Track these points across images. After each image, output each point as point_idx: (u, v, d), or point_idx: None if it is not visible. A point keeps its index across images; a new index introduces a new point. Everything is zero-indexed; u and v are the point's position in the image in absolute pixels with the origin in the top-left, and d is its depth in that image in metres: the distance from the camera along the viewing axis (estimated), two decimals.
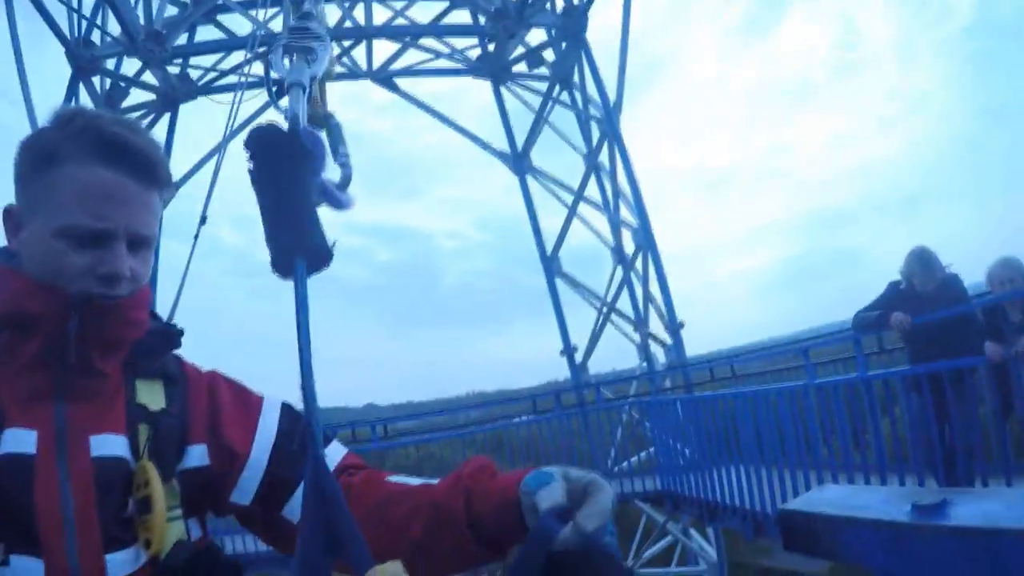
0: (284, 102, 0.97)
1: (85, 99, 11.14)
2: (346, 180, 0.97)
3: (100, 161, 0.99)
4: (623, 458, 10.90)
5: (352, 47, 12.50)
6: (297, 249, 0.83)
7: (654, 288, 11.97)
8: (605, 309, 12.63)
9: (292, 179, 0.85)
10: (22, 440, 0.95)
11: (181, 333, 1.16)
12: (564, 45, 12.01)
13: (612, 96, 11.88)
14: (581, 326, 13.12)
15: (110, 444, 1.01)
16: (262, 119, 0.93)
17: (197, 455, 1.10)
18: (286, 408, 1.19)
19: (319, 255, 0.86)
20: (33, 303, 0.98)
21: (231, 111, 5.09)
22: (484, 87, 13.14)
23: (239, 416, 1.16)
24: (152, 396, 1.09)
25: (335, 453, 1.16)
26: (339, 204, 0.94)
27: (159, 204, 1.07)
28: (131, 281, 1.02)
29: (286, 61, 0.99)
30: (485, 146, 13.12)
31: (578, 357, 12.92)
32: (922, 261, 5.36)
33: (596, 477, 0.89)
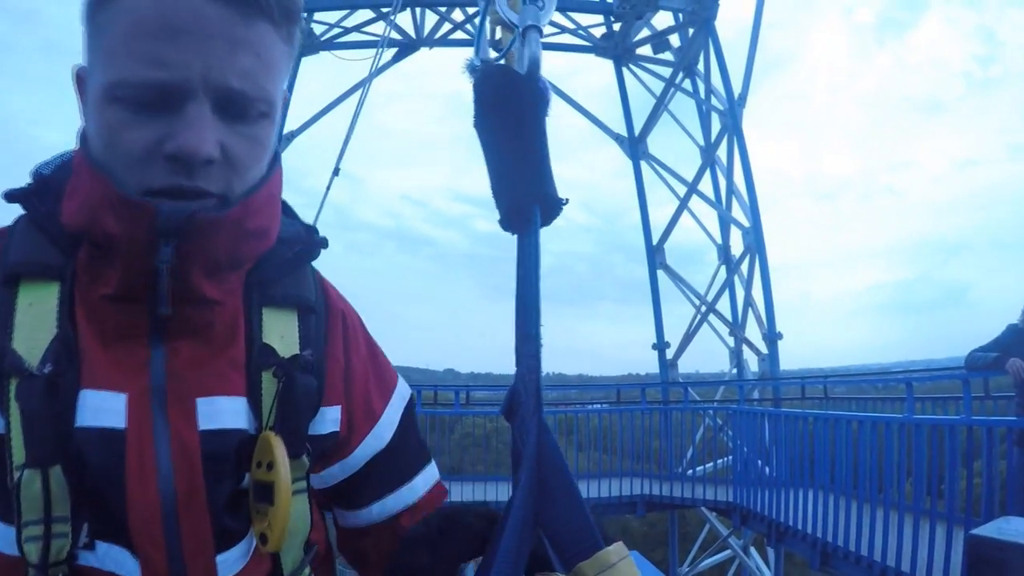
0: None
1: None
2: None
3: None
4: (699, 463, 10.60)
5: (473, 16, 12.50)
6: (534, 199, 0.75)
7: (756, 293, 11.48)
8: (704, 308, 12.23)
9: (532, 127, 0.76)
10: (107, 407, 0.73)
11: (324, 242, 0.91)
12: (691, 31, 11.57)
13: (736, 89, 11.37)
14: (673, 323, 12.80)
15: (224, 410, 0.79)
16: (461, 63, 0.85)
17: (331, 419, 0.89)
18: (412, 397, 1.04)
19: (553, 205, 0.77)
20: (105, 217, 0.72)
21: (374, 60, 5.08)
22: (599, 66, 12.87)
23: (375, 376, 0.97)
24: (283, 332, 0.85)
25: (425, 481, 1.02)
26: None
27: (278, 48, 0.75)
28: (227, 166, 0.73)
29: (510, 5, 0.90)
30: (604, 127, 12.87)
31: (668, 354, 12.60)
32: None
33: None
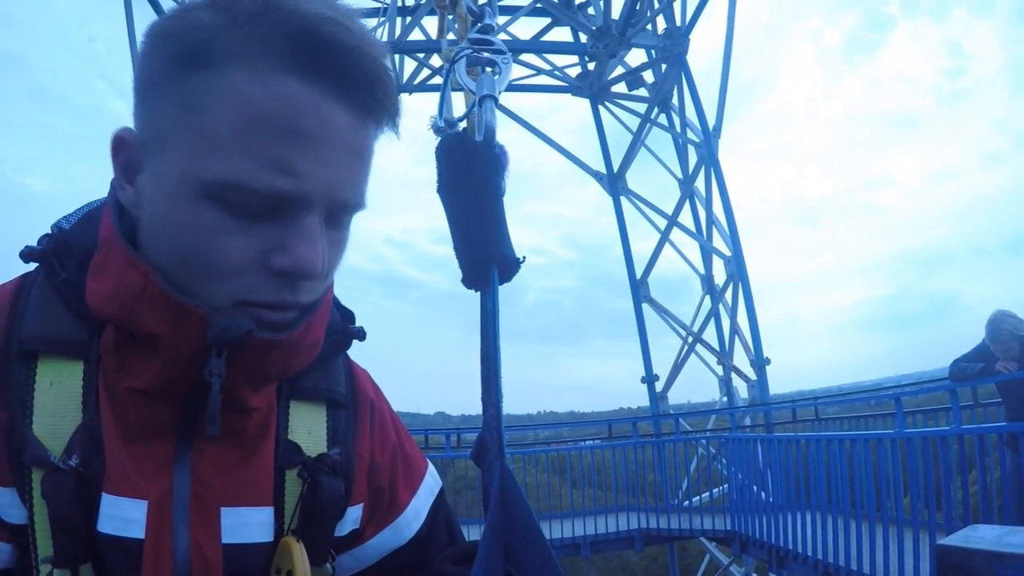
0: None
1: None
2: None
3: (295, 69, 0.62)
4: (695, 493, 10.51)
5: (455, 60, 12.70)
6: (492, 260, 0.77)
7: (742, 321, 11.54)
8: (691, 339, 12.26)
9: (487, 190, 0.79)
10: (127, 516, 0.67)
11: (361, 333, 0.87)
12: (664, 67, 11.84)
13: (710, 120, 11.60)
14: (661, 354, 12.80)
15: (250, 523, 0.73)
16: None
17: (352, 519, 0.84)
18: (441, 489, 0.98)
19: (510, 266, 0.79)
20: (145, 314, 0.65)
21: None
22: (574, 104, 13.09)
23: (402, 466, 0.92)
24: (311, 428, 0.81)
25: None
26: None
27: (372, 153, 0.70)
28: (322, 280, 0.70)
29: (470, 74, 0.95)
30: (583, 165, 13.04)
31: (658, 386, 12.58)
32: (990, 329, 5.06)
33: None
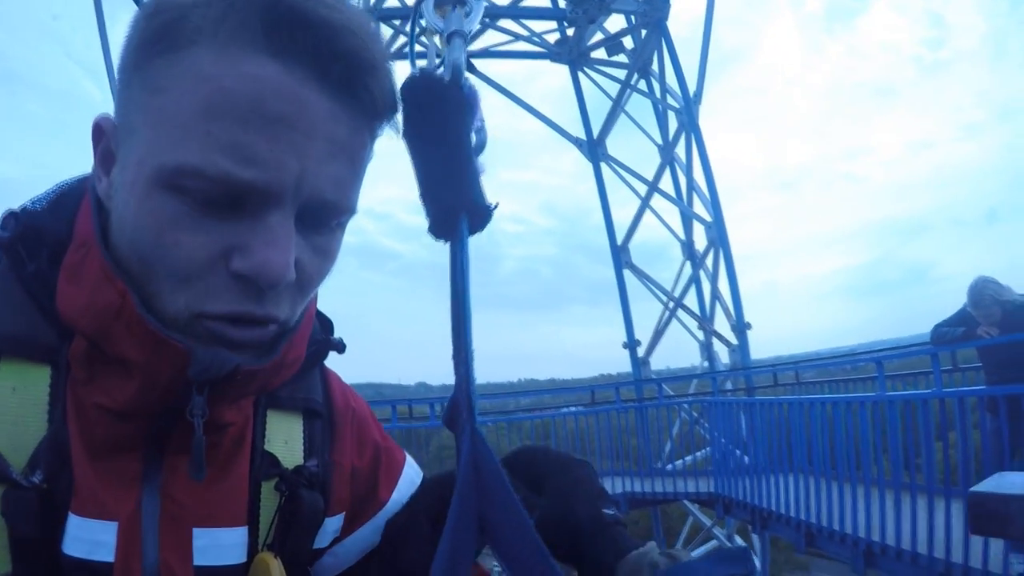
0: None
1: None
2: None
3: (268, 48, 0.55)
4: (677, 456, 10.71)
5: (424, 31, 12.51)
6: (461, 206, 0.72)
7: (723, 286, 11.66)
8: (672, 304, 12.38)
9: (456, 133, 0.73)
10: (96, 539, 0.61)
11: (340, 345, 0.81)
12: (644, 33, 11.75)
13: (691, 87, 11.57)
14: (641, 321, 12.93)
15: (224, 544, 0.69)
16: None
17: (332, 530, 0.81)
18: (424, 479, 0.94)
19: (481, 213, 0.73)
20: (120, 338, 0.60)
21: None
22: (552, 71, 13.00)
23: (384, 466, 0.89)
24: (287, 438, 0.77)
25: None
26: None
27: (368, 151, 0.64)
28: (295, 286, 0.62)
29: (437, 12, 0.92)
30: (562, 132, 12.98)
31: (640, 351, 12.72)
32: (972, 295, 5.18)
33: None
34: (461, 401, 0.66)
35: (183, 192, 0.55)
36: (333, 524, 0.81)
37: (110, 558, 0.61)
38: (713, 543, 11.55)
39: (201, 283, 0.57)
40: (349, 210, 0.63)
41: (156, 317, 0.59)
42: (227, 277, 0.57)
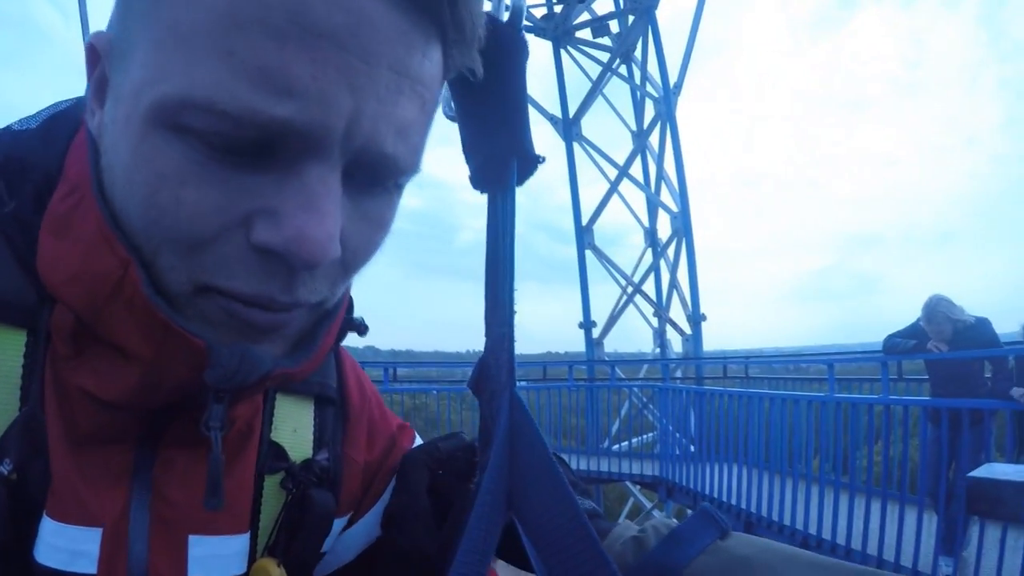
0: None
1: None
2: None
3: None
4: (624, 438, 10.98)
5: None
6: (513, 153, 0.64)
7: (682, 276, 11.92)
8: (630, 289, 12.60)
9: (516, 78, 0.64)
10: (75, 545, 0.50)
11: (361, 327, 0.66)
12: (631, 19, 11.79)
13: (672, 78, 11.69)
14: (596, 303, 13.13)
15: (222, 554, 0.57)
16: None
17: (336, 531, 0.70)
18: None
19: (531, 162, 0.66)
20: (124, 325, 0.47)
21: None
22: (535, 47, 12.92)
23: (396, 455, 0.78)
24: (296, 425, 0.66)
25: None
26: None
27: (438, 89, 0.49)
28: (340, 268, 0.49)
29: None
30: (539, 108, 12.96)
31: (595, 333, 12.94)
32: (926, 311, 5.50)
33: None
34: (498, 364, 0.59)
35: (190, 133, 0.41)
36: (338, 525, 0.71)
37: (92, 570, 0.50)
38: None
39: (210, 254, 0.44)
40: (413, 168, 0.48)
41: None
42: (246, 248, 0.43)
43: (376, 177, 0.47)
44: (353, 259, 0.49)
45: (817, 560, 0.50)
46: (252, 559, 0.60)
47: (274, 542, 0.62)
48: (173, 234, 0.43)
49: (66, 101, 0.58)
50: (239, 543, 0.58)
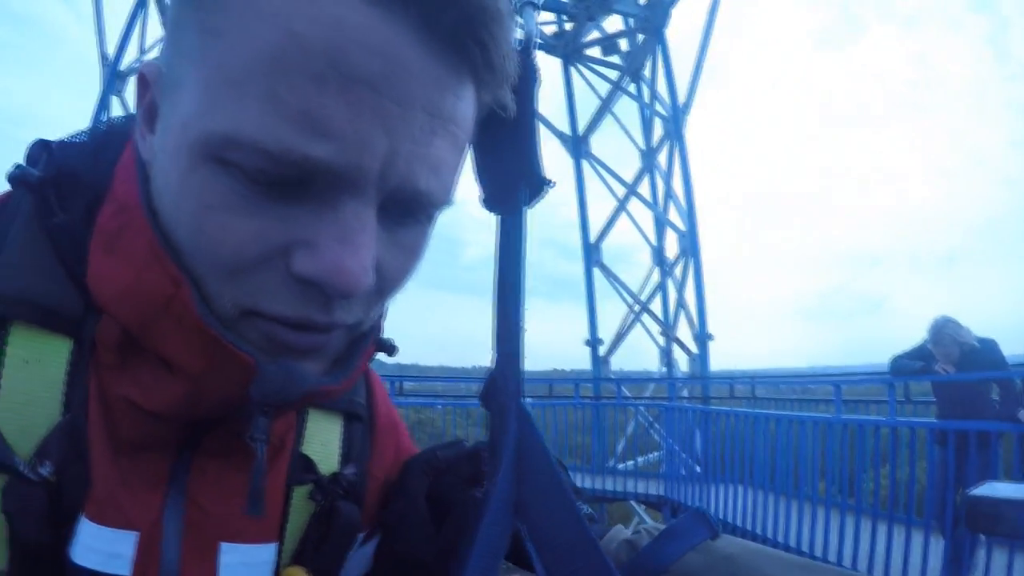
0: None
1: None
2: None
3: None
4: (629, 457, 10.91)
5: None
6: (522, 176, 0.65)
7: (689, 295, 11.90)
8: (638, 308, 12.58)
9: (527, 103, 0.64)
10: (112, 547, 0.52)
11: (392, 348, 0.67)
12: (641, 38, 11.87)
13: (681, 97, 11.74)
14: (603, 320, 13.15)
15: (253, 562, 0.59)
16: None
17: (358, 543, 0.71)
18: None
19: (539, 185, 0.67)
20: (174, 342, 0.49)
21: None
22: (545, 64, 13.04)
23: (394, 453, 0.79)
24: (325, 440, 0.68)
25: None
26: None
27: (470, 129, 0.51)
28: (375, 294, 0.52)
29: None
30: (549, 125, 13.04)
31: (601, 351, 12.91)
32: (933, 332, 5.44)
33: None
34: (505, 377, 0.61)
35: (235, 167, 0.43)
36: (360, 538, 0.71)
37: (126, 572, 0.52)
38: None
39: (253, 280, 0.47)
40: (446, 201, 0.51)
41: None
42: (286, 275, 0.46)
43: (410, 210, 0.49)
44: (387, 285, 0.52)
45: (799, 560, 0.55)
46: (277, 568, 0.62)
47: (301, 552, 0.64)
48: (218, 260, 0.46)
49: (118, 119, 0.61)
50: (268, 552, 0.60)
